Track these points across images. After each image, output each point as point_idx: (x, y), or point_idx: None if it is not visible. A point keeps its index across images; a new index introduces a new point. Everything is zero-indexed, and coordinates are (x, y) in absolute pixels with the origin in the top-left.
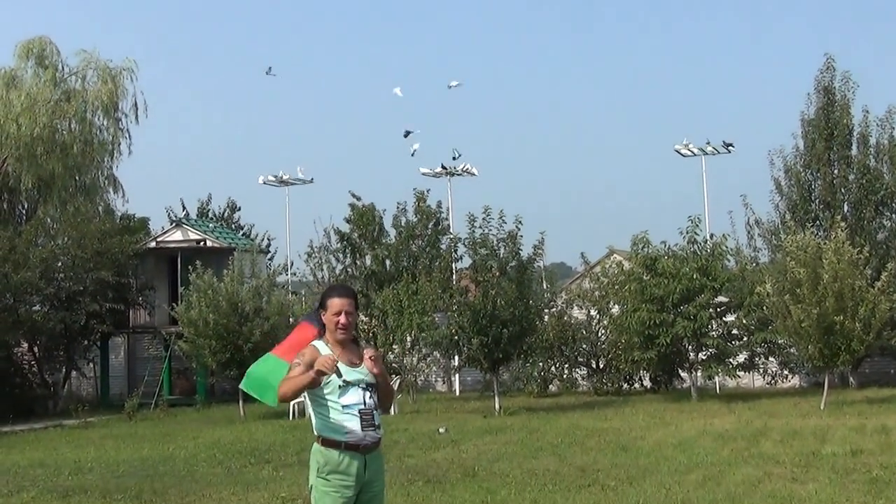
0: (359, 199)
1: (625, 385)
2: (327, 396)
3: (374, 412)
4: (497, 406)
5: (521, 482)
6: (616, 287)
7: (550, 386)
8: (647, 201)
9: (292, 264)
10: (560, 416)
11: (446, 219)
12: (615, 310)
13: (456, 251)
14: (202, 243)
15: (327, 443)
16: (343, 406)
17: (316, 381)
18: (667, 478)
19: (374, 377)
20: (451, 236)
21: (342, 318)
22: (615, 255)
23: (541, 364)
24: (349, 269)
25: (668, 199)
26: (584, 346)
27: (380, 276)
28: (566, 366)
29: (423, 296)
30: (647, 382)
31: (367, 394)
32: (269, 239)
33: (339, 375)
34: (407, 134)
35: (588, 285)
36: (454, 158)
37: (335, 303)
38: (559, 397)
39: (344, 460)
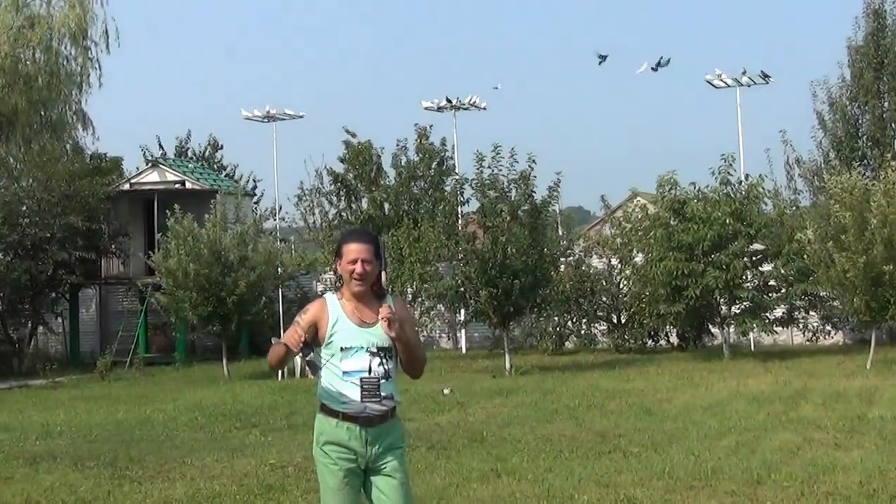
0: (354, 135)
1: (649, 342)
2: (329, 359)
3: (382, 381)
4: (507, 365)
5: (535, 448)
6: (640, 233)
7: (566, 343)
8: (675, 138)
9: (281, 208)
10: (577, 376)
11: (451, 158)
12: (639, 259)
13: (462, 193)
14: (181, 185)
15: (325, 410)
16: (343, 372)
17: (289, 354)
18: (695, 444)
19: (394, 337)
20: (457, 177)
21: (357, 267)
22: (639, 197)
23: (556, 318)
24: (343, 214)
25: (699, 136)
26: (604, 298)
27: (378, 221)
28: (584, 320)
29: (425, 243)
30: (673, 339)
31: (377, 360)
32: (254, 180)
33: (304, 355)
34: (602, 59)
35: (609, 231)
36: (495, 88)
37: (350, 249)
38: (576, 355)
39: (341, 432)
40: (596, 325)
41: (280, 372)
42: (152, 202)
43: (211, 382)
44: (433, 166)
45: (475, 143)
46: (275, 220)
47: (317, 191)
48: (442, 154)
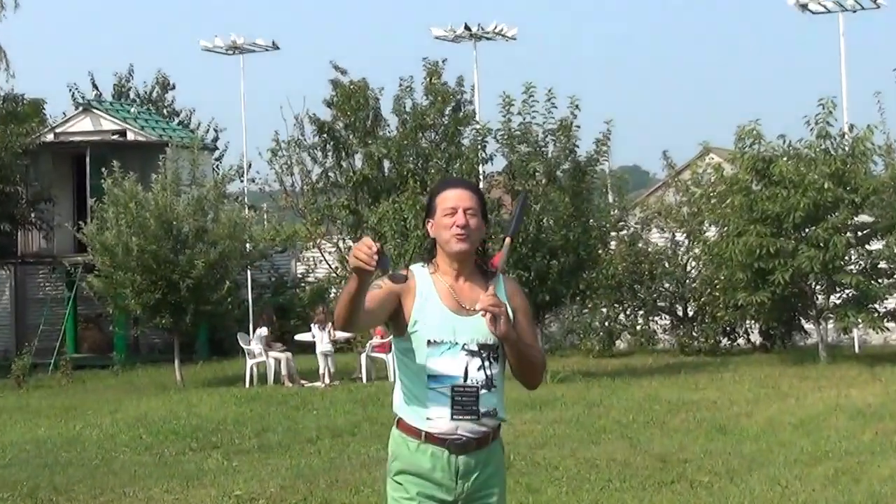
0: (344, 72)
1: (724, 340)
2: (410, 354)
3: (483, 392)
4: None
5: (576, 477)
6: (713, 201)
7: (618, 341)
8: (758, 79)
9: (250, 167)
10: (631, 383)
11: (470, 102)
12: (711, 233)
13: (484, 148)
14: (120, 136)
15: (403, 426)
16: (429, 376)
17: (360, 284)
18: (782, 471)
19: (500, 335)
20: (478, 127)
21: (459, 218)
22: (712, 155)
23: (604, 310)
24: (331, 174)
25: (790, 76)
26: (667, 284)
27: (375, 183)
28: (640, 313)
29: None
30: (755, 337)
31: (477, 361)
32: (215, 130)
33: (384, 271)
34: None
35: (673, 198)
36: None
37: (448, 196)
38: (630, 357)
39: (422, 459)
40: (656, 318)
41: (247, 377)
42: (83, 158)
43: (159, 390)
44: (447, 113)
45: (501, 83)
46: (242, 181)
47: (296, 144)
48: (458, 97)
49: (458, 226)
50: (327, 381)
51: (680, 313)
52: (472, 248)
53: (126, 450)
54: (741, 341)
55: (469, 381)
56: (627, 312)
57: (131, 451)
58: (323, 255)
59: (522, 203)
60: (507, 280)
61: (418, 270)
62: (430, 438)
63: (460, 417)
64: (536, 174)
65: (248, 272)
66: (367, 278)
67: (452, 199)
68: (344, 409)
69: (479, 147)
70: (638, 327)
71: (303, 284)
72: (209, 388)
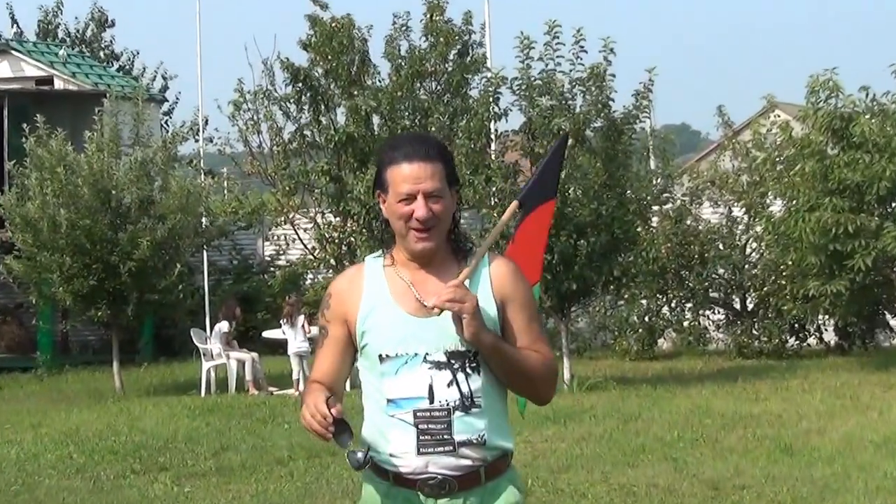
0: (325, 7)
1: (791, 340)
2: (366, 371)
3: (458, 414)
4: (567, 374)
5: None
6: (779, 168)
7: (661, 340)
8: (834, 17)
9: (207, 123)
10: (677, 392)
11: (480, 44)
12: (776, 208)
13: (497, 101)
14: (46, 85)
15: (373, 466)
16: (388, 401)
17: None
18: (862, 500)
19: (467, 340)
20: (490, 75)
21: (418, 209)
22: (778, 111)
23: (644, 302)
24: (307, 132)
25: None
26: (721, 270)
27: (362, 144)
28: (689, 305)
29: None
30: (829, 335)
31: (444, 375)
32: (164, 78)
33: (342, 446)
34: None
35: (730, 164)
36: None
37: (401, 174)
38: (676, 360)
39: None
40: (707, 312)
41: (202, 383)
42: (0, 111)
43: (94, 399)
44: (451, 58)
45: (518, 22)
46: (197, 141)
47: (265, 95)
48: (465, 38)
49: (418, 218)
50: (302, 387)
51: (737, 306)
52: (439, 241)
53: (52, 472)
54: (812, 341)
55: (436, 403)
56: (672, 305)
57: (59, 475)
58: (297, 233)
59: (555, 150)
60: (495, 259)
61: (370, 264)
62: (400, 480)
63: (429, 450)
64: (561, 133)
65: (205, 253)
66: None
67: (408, 178)
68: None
69: (491, 100)
70: (685, 323)
71: (272, 269)
72: (156, 396)
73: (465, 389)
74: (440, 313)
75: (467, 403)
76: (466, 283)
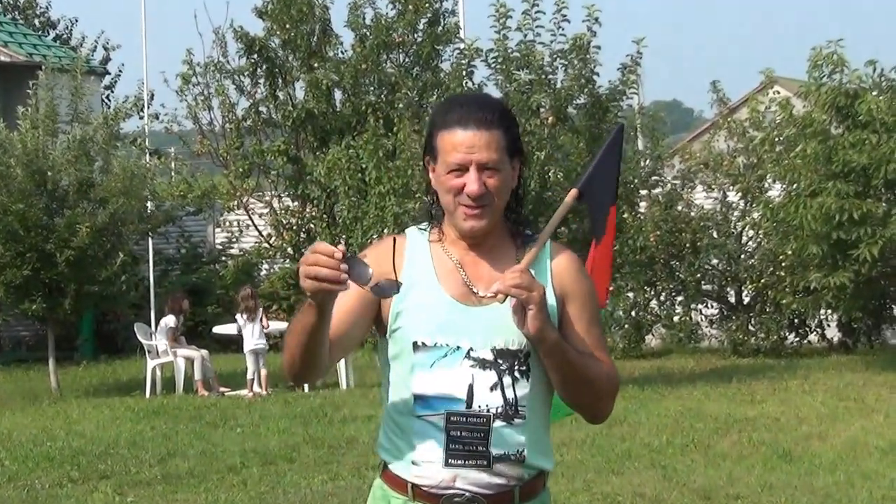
0: None
1: (791, 336)
2: (392, 364)
3: (498, 423)
4: None
5: None
6: (779, 149)
7: (649, 337)
8: None
9: (153, 98)
10: (666, 393)
11: (453, 13)
12: (775, 192)
13: (471, 75)
14: None
15: (388, 477)
16: (416, 397)
17: (320, 315)
18: None
19: (530, 336)
20: (463, 46)
21: (471, 183)
22: (777, 87)
23: (631, 295)
24: (262, 108)
25: None
26: (715, 261)
27: (322, 122)
28: (679, 299)
29: (405, 161)
30: (832, 332)
31: (492, 376)
32: (105, 48)
33: (362, 283)
34: None
35: (725, 145)
36: None
37: (455, 140)
38: (665, 358)
39: None
40: (700, 306)
41: (147, 383)
42: None
43: (27, 401)
44: (421, 27)
45: None
46: (142, 117)
47: (216, 68)
48: (436, 6)
49: (469, 195)
50: (257, 388)
51: (732, 300)
52: (494, 221)
53: None
54: (813, 338)
55: (475, 407)
56: (662, 298)
57: None
58: (251, 219)
59: (610, 143)
60: (557, 250)
61: (413, 236)
62: (420, 494)
63: (459, 462)
64: (541, 110)
65: (150, 241)
66: (330, 304)
67: (459, 146)
68: (278, 427)
69: (464, 74)
70: (676, 318)
71: (224, 258)
72: (96, 397)
73: (509, 395)
74: (504, 300)
75: (510, 412)
76: (533, 272)
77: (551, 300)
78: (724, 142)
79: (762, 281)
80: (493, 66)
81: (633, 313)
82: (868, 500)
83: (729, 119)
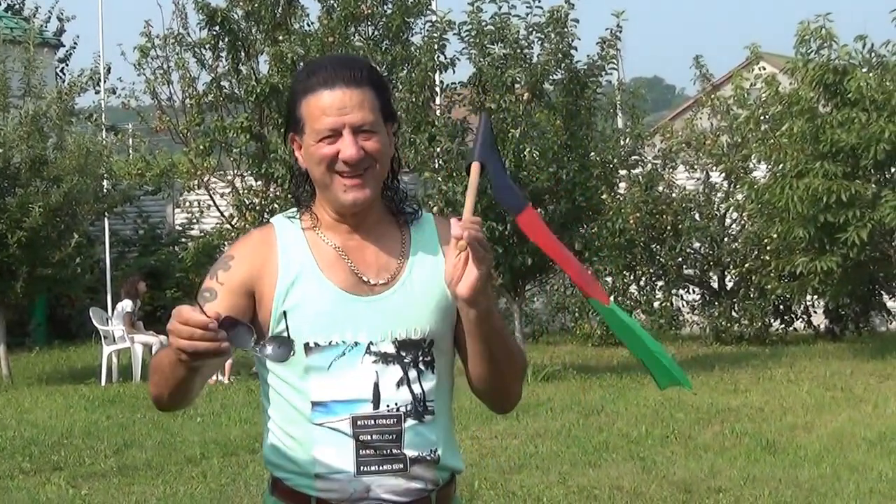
0: None
1: (775, 323)
2: (277, 369)
3: (409, 422)
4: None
5: None
6: (764, 127)
7: None
8: None
9: (109, 72)
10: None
11: None
12: (760, 173)
13: (443, 49)
14: None
15: (282, 492)
16: (314, 404)
17: (189, 371)
18: None
19: (469, 297)
20: (435, 19)
21: (345, 147)
22: (763, 63)
23: (610, 280)
24: (224, 83)
25: None
26: (697, 244)
27: (288, 96)
28: (660, 284)
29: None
30: (819, 318)
31: (397, 371)
32: (60, 19)
33: (239, 345)
34: None
35: (707, 123)
36: None
37: (321, 103)
38: None
39: None
40: (681, 291)
41: (103, 370)
42: None
43: None
44: None
45: None
46: (98, 92)
47: (176, 40)
48: None
49: (345, 161)
50: (219, 376)
51: (715, 285)
52: (377, 192)
53: None
54: (799, 325)
55: (383, 407)
56: (641, 283)
57: None
58: (212, 199)
59: (484, 125)
60: (441, 223)
61: (282, 225)
62: None
63: (373, 469)
64: (516, 86)
65: (106, 222)
66: (202, 362)
67: (330, 108)
68: (240, 417)
69: (436, 47)
70: (656, 304)
71: (183, 240)
72: (49, 385)
73: (417, 391)
74: (388, 290)
75: (420, 409)
76: (423, 254)
77: (442, 281)
78: (708, 120)
79: (746, 265)
80: (466, 39)
81: (611, 298)
82: (855, 494)
83: (712, 96)
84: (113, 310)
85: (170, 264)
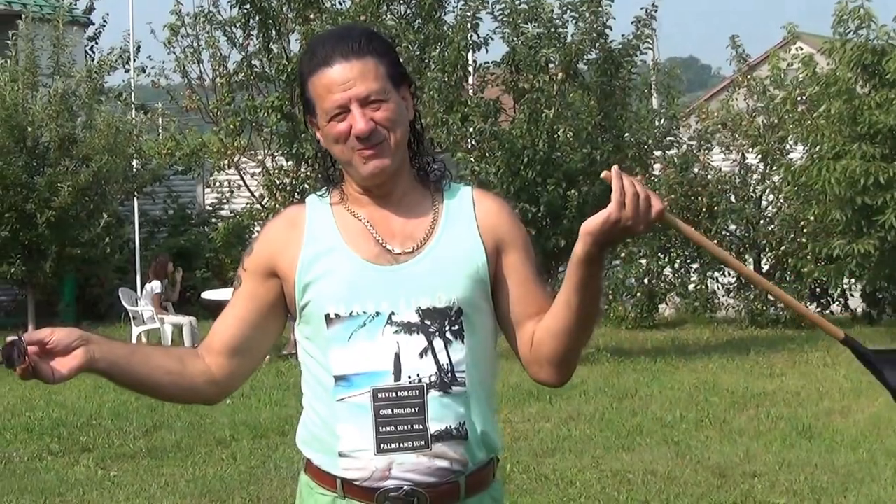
0: None
1: (812, 306)
2: (306, 346)
3: (433, 395)
4: None
5: (600, 496)
6: (801, 108)
7: (662, 306)
8: None
9: (139, 50)
10: (680, 365)
11: None
12: (797, 154)
13: (476, 28)
14: None
15: (313, 472)
16: (336, 378)
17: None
18: (891, 491)
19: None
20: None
21: (355, 121)
22: (800, 44)
23: (644, 262)
24: (255, 61)
25: None
26: (733, 226)
27: None
28: (695, 266)
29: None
30: (856, 302)
31: (420, 341)
32: None
33: (8, 362)
34: None
35: (744, 104)
36: None
37: (325, 81)
38: (679, 328)
39: None
40: (716, 274)
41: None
42: None
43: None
44: None
45: None
46: (127, 71)
47: (207, 18)
48: None
49: (357, 136)
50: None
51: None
52: (398, 160)
53: None
54: (836, 308)
55: (404, 379)
56: (676, 265)
57: None
58: (242, 179)
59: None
60: (482, 196)
61: (313, 203)
62: (351, 491)
63: (393, 447)
64: (550, 66)
65: (136, 201)
66: (98, 360)
67: (334, 85)
68: (270, 399)
69: (469, 26)
70: (691, 287)
71: (213, 220)
72: None
73: (443, 361)
74: (413, 258)
75: (447, 380)
76: (454, 222)
77: (480, 253)
78: (744, 101)
79: (782, 248)
80: (499, 18)
81: (645, 281)
82: (892, 479)
83: (749, 77)
84: (142, 290)
85: (199, 245)
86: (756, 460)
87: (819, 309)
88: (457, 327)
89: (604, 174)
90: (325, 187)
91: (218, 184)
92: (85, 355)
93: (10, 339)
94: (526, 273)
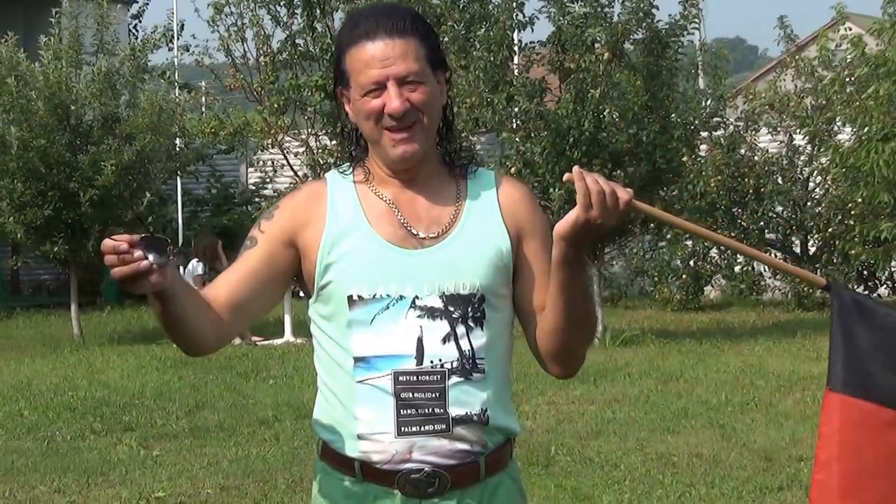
0: None
1: (859, 289)
2: (323, 326)
3: (454, 380)
4: (599, 327)
5: (644, 479)
6: (849, 90)
7: (708, 288)
8: None
9: (182, 29)
10: (725, 348)
11: None
12: (845, 136)
13: (521, 7)
14: None
15: (330, 456)
16: (356, 360)
17: (161, 301)
18: None
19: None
20: None
21: (391, 99)
22: (849, 24)
23: (690, 243)
24: (299, 40)
25: None
26: (780, 208)
27: None
28: None
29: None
30: None
31: (443, 326)
32: None
33: (161, 262)
34: None
35: (791, 85)
36: None
37: (364, 56)
38: (725, 311)
39: None
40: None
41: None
42: None
43: (49, 348)
44: None
45: None
46: (171, 49)
47: None
48: None
49: (391, 114)
50: (292, 337)
51: (797, 250)
52: (428, 145)
53: (0, 432)
54: (883, 291)
55: (427, 363)
56: (722, 247)
57: (7, 434)
58: (286, 158)
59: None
60: (505, 181)
61: (334, 179)
62: (371, 473)
63: (414, 430)
64: (596, 46)
65: (179, 181)
66: (170, 288)
67: (374, 60)
68: (313, 379)
69: (515, 6)
70: (737, 269)
71: (257, 199)
72: (120, 345)
73: (465, 347)
74: (438, 243)
75: (468, 366)
76: (478, 208)
77: (504, 240)
78: (791, 82)
79: (829, 230)
80: None
81: (691, 263)
82: None
83: (796, 57)
84: (185, 270)
85: (243, 224)
86: (802, 444)
87: (867, 291)
88: (479, 314)
89: (566, 177)
90: (349, 164)
91: (261, 163)
92: (167, 271)
93: (142, 235)
94: (543, 262)
